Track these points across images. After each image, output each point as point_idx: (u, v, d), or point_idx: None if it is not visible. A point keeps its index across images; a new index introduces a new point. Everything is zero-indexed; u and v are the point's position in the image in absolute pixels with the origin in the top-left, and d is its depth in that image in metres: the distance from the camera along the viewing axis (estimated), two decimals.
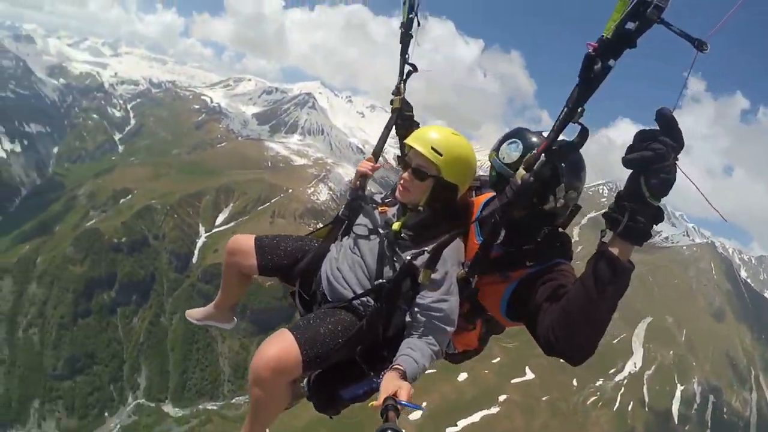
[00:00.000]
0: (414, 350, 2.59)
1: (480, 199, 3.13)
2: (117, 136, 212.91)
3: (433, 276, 2.70)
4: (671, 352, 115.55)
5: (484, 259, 2.66)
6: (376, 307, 2.81)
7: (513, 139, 2.65)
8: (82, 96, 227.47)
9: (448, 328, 2.73)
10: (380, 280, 2.85)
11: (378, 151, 3.70)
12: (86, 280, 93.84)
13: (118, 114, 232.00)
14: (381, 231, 3.00)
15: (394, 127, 3.72)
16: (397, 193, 3.01)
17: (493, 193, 2.98)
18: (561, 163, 2.39)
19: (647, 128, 1.85)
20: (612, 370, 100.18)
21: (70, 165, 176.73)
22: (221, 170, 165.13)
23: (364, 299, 2.89)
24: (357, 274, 2.97)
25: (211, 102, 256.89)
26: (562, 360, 2.34)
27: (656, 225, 1.94)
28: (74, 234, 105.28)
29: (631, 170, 1.88)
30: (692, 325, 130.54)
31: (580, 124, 2.09)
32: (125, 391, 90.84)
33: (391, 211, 3.10)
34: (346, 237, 3.31)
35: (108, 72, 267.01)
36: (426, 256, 2.74)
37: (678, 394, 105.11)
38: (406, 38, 3.63)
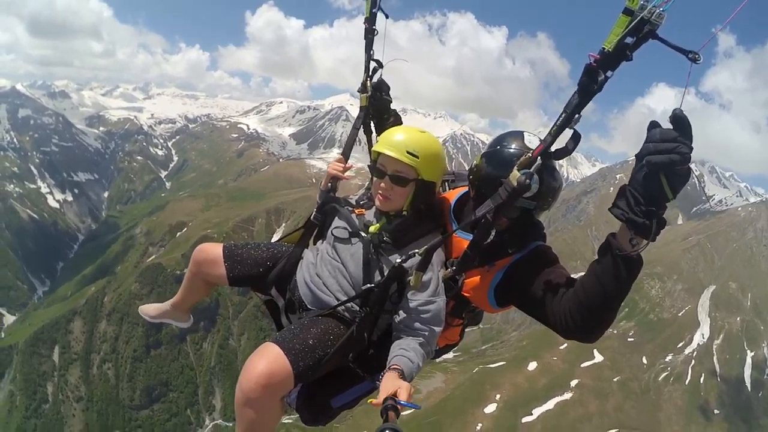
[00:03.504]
0: (408, 350, 2.58)
1: (452, 194, 3.17)
2: (163, 174, 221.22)
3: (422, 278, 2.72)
4: (738, 318, 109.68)
5: (474, 258, 2.71)
6: (364, 313, 2.75)
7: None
8: (123, 140, 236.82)
9: (437, 328, 2.74)
10: (368, 285, 2.77)
11: (347, 152, 3.55)
12: None
13: (160, 153, 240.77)
14: (362, 234, 2.91)
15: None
16: (377, 203, 2.95)
17: (465, 187, 3.06)
18: (553, 165, 2.59)
19: (661, 127, 1.88)
20: (680, 344, 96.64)
21: (122, 207, 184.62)
22: (268, 193, 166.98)
23: (350, 305, 2.83)
24: (339, 280, 2.90)
25: (248, 129, 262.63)
26: (574, 339, 2.45)
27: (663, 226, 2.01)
28: (137, 271, 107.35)
29: (650, 171, 1.90)
30: (757, 289, 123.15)
31: (573, 129, 2.17)
32: (202, 414, 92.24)
33: (369, 213, 3.06)
34: (321, 241, 3.24)
35: (144, 115, 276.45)
36: (417, 258, 2.68)
37: (749, 360, 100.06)
38: (369, 34, 3.57)
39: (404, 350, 2.58)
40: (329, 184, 3.35)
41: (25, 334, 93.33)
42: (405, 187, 2.84)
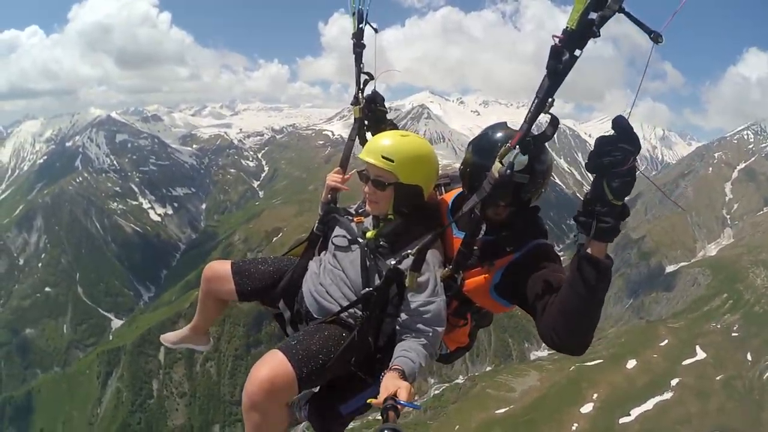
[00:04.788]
0: (409, 351, 2.62)
1: (449, 195, 3.18)
2: (255, 184, 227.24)
3: (418, 279, 2.76)
4: None
5: (469, 255, 2.75)
6: (365, 317, 2.81)
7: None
8: (216, 155, 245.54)
9: (439, 329, 2.77)
10: (367, 289, 2.81)
11: (345, 163, 3.63)
12: (254, 314, 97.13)
13: (251, 164, 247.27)
14: (360, 241, 3.00)
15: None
16: (367, 207, 3.07)
17: (460, 188, 3.09)
18: (534, 153, 2.52)
19: (605, 134, 1.97)
20: None
21: (219, 217, 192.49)
22: (358, 194, 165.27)
23: (352, 310, 2.88)
24: (341, 287, 2.96)
25: (333, 135, 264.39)
26: (563, 353, 2.50)
27: (623, 221, 2.07)
28: None
29: (593, 175, 2.01)
30: None
31: (550, 114, 2.19)
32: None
33: (367, 220, 3.14)
34: (324, 252, 3.29)
35: (233, 130, 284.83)
36: (410, 259, 2.75)
37: None
38: (358, 48, 3.68)
39: (406, 351, 2.60)
40: (329, 196, 3.44)
41: (132, 336, 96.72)
42: (385, 191, 2.90)
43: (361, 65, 3.69)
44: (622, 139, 1.91)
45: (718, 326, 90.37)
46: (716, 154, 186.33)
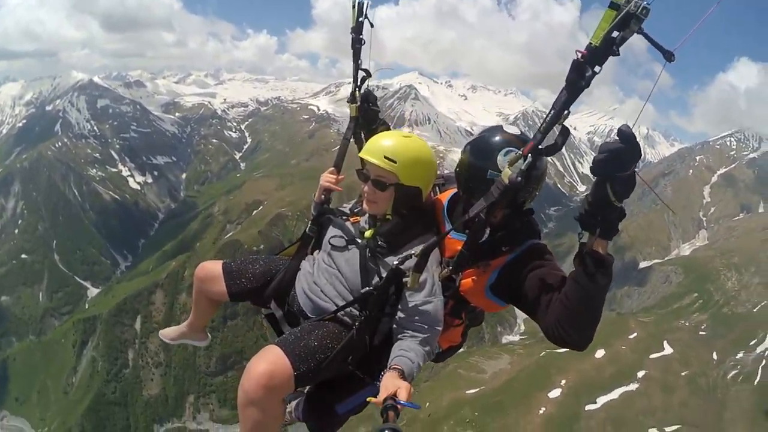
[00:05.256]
0: (408, 351, 2.64)
1: (444, 196, 3.22)
2: (237, 155, 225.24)
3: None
4: None
5: (471, 257, 2.77)
6: (364, 316, 2.82)
7: (508, 149, 2.70)
8: (198, 125, 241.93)
9: (436, 328, 2.80)
10: (367, 288, 2.83)
11: (339, 163, 3.58)
12: None
13: (234, 135, 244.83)
14: (359, 241, 3.02)
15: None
16: (364, 207, 3.05)
17: (455, 189, 3.11)
18: (543, 162, 2.67)
19: (609, 141, 2.06)
20: (752, 342, 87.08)
21: (199, 187, 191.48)
22: (341, 172, 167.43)
23: (349, 309, 2.90)
24: (336, 286, 2.98)
25: (318, 110, 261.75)
26: (568, 348, 2.59)
27: (621, 221, 2.22)
28: (215, 247, 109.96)
29: (597, 178, 2.12)
30: None
31: (561, 125, 2.25)
32: None
33: (363, 220, 3.14)
34: (318, 251, 3.32)
35: (217, 100, 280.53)
36: (413, 260, 2.75)
37: None
38: (356, 44, 3.62)
39: (404, 351, 2.62)
40: (323, 196, 3.41)
41: (108, 305, 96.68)
42: (385, 192, 2.90)
43: (359, 61, 3.64)
44: (627, 147, 1.98)
45: (687, 324, 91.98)
46: (698, 157, 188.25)
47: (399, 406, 2.15)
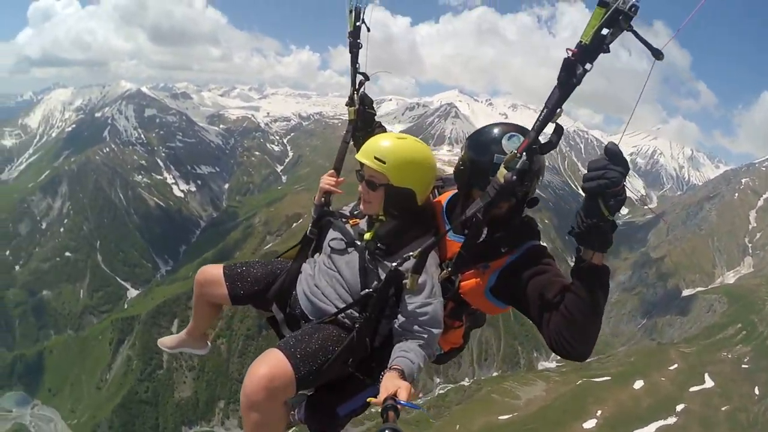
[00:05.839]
0: (408, 352, 2.65)
1: (443, 198, 3.24)
2: (279, 168, 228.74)
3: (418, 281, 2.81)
4: None
5: (469, 258, 2.79)
6: (364, 318, 2.83)
7: (512, 133, 2.73)
8: (242, 137, 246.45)
9: (435, 330, 2.79)
10: (367, 290, 2.84)
11: (339, 165, 3.66)
12: None
13: (276, 149, 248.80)
14: (358, 243, 3.03)
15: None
16: (361, 207, 3.10)
17: (454, 190, 3.14)
18: (538, 160, 2.64)
19: (596, 159, 2.14)
20: None
21: (241, 198, 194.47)
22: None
23: (349, 312, 2.91)
24: (336, 288, 2.98)
25: None
26: (570, 360, 2.59)
27: (613, 234, 2.25)
28: (255, 256, 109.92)
29: (589, 195, 2.18)
30: None
31: (556, 123, 2.30)
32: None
33: (362, 222, 3.16)
34: (318, 254, 3.34)
35: (261, 113, 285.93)
36: (412, 261, 2.77)
37: None
38: (354, 48, 3.67)
39: (405, 351, 2.62)
40: (323, 199, 3.46)
41: (147, 307, 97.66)
42: (376, 192, 2.93)
43: (357, 65, 3.67)
44: (615, 162, 2.06)
45: (729, 356, 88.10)
46: (743, 180, 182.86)
47: (399, 406, 2.15)
